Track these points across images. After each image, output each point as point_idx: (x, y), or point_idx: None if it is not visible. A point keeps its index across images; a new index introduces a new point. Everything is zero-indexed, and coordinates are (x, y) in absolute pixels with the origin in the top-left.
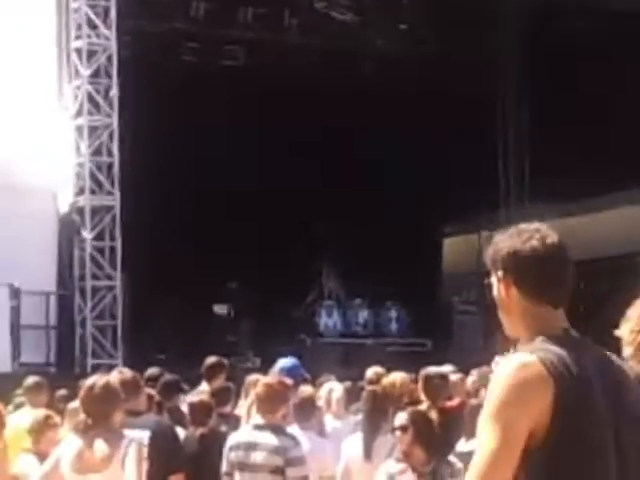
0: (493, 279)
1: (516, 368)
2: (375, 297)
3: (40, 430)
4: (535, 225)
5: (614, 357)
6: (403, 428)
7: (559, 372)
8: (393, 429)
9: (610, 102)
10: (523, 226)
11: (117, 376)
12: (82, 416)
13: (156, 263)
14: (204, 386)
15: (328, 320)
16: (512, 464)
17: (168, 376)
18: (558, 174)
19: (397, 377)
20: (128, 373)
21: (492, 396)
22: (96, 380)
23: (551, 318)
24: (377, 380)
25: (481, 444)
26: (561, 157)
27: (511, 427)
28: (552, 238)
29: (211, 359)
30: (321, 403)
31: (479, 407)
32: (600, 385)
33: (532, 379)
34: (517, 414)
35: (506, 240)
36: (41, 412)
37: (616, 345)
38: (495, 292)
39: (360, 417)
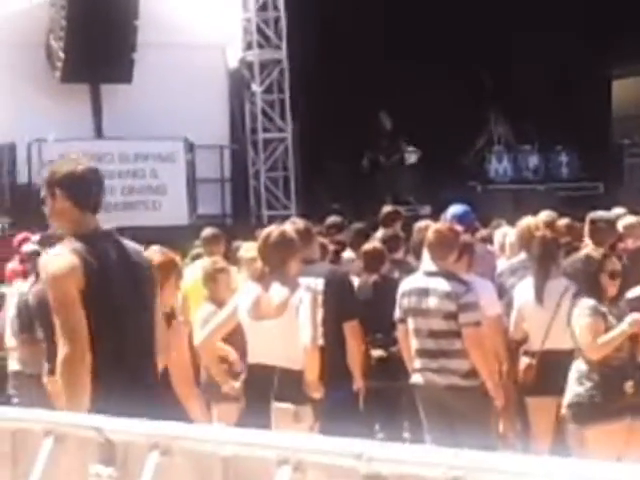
0: (46, 196)
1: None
2: (545, 141)
3: (212, 277)
4: (75, 157)
5: (131, 244)
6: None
7: (82, 256)
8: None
9: None
10: (70, 157)
11: (290, 226)
12: (259, 264)
13: (324, 113)
14: (380, 233)
15: (498, 166)
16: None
17: (357, 223)
18: None
19: (564, 222)
20: (301, 223)
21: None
22: (272, 229)
23: (88, 220)
24: (551, 224)
25: None
26: None
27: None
28: (86, 164)
29: (387, 208)
30: (495, 247)
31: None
32: (116, 259)
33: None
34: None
35: (60, 167)
36: (210, 260)
37: None
38: (49, 205)
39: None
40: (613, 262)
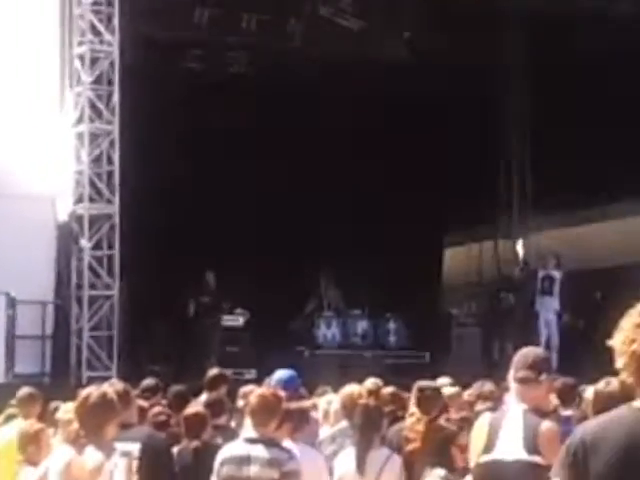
0: None
1: None
2: (374, 308)
3: (27, 440)
4: None
5: None
6: None
7: None
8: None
9: (612, 109)
10: None
11: (110, 388)
12: (75, 426)
13: (155, 273)
14: (204, 397)
15: (327, 331)
16: None
17: (177, 386)
18: (559, 184)
19: (389, 390)
20: (119, 385)
21: None
22: (92, 391)
23: None
24: (375, 392)
25: None
26: (562, 168)
27: None
28: None
29: (213, 371)
30: (319, 415)
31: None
32: None
33: None
34: None
35: None
36: (27, 423)
37: (611, 356)
38: None
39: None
40: (464, 435)
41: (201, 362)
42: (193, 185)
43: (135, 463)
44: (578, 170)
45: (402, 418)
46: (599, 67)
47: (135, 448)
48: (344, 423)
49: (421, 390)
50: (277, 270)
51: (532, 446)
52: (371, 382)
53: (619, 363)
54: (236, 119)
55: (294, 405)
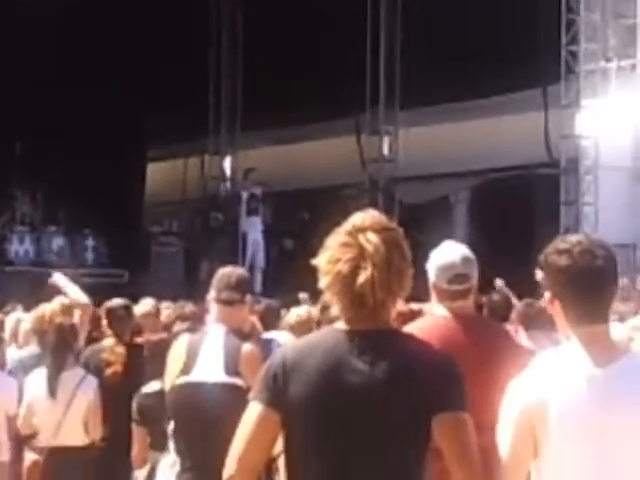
0: None
1: None
2: (71, 224)
3: None
4: None
5: None
6: None
7: None
8: None
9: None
10: None
11: None
12: None
13: None
14: None
15: (19, 247)
16: None
17: None
18: (272, 100)
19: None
20: None
21: None
22: None
23: None
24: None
25: None
26: (275, 83)
27: None
28: None
29: None
30: (5, 334)
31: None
32: None
33: None
34: None
35: None
36: None
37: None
38: None
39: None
40: None
41: None
42: None
43: None
44: (291, 86)
45: (98, 339)
46: None
47: None
48: (35, 348)
49: (111, 310)
50: None
51: (232, 368)
52: (61, 301)
53: (322, 283)
54: None
55: None
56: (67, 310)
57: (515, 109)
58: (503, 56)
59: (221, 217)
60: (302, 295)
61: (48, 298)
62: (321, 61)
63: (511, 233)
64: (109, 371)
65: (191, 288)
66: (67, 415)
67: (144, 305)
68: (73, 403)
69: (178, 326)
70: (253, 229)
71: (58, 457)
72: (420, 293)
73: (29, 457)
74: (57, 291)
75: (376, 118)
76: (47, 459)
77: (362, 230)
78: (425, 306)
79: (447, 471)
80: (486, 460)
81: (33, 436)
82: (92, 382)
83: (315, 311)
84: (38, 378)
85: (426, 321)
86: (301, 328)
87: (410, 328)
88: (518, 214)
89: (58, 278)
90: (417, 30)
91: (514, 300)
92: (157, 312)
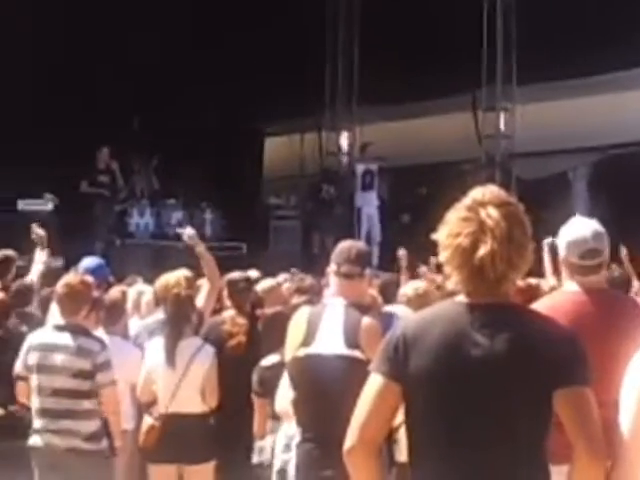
0: None
1: None
2: (190, 197)
3: None
4: None
5: None
6: None
7: None
8: None
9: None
10: None
11: None
12: None
13: None
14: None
15: (140, 220)
16: None
17: None
18: (387, 77)
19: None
20: None
21: None
22: None
23: None
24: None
25: None
26: (389, 59)
27: None
28: None
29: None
30: (128, 305)
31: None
32: None
33: None
34: None
35: None
36: None
37: (434, 251)
38: None
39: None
40: None
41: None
42: None
43: None
44: (407, 63)
45: (219, 311)
46: None
47: None
48: (159, 314)
49: (232, 282)
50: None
51: (352, 341)
52: (184, 272)
53: (442, 257)
54: None
55: (106, 297)
56: (189, 281)
57: (635, 85)
58: (621, 33)
59: (333, 191)
60: (422, 268)
61: (169, 270)
62: (438, 37)
63: (634, 210)
64: (233, 341)
65: (308, 261)
66: (183, 382)
67: (267, 281)
68: (189, 371)
69: (296, 299)
70: (368, 204)
71: (174, 423)
72: (536, 268)
73: (146, 422)
74: (180, 263)
75: (493, 94)
76: (164, 424)
77: (482, 204)
78: (542, 281)
79: (570, 445)
80: (608, 436)
81: (153, 403)
82: (209, 351)
83: (440, 279)
84: (157, 347)
85: (554, 297)
86: (419, 301)
87: (537, 305)
88: None
89: (193, 236)
90: (533, 7)
91: (635, 281)
92: (279, 286)
